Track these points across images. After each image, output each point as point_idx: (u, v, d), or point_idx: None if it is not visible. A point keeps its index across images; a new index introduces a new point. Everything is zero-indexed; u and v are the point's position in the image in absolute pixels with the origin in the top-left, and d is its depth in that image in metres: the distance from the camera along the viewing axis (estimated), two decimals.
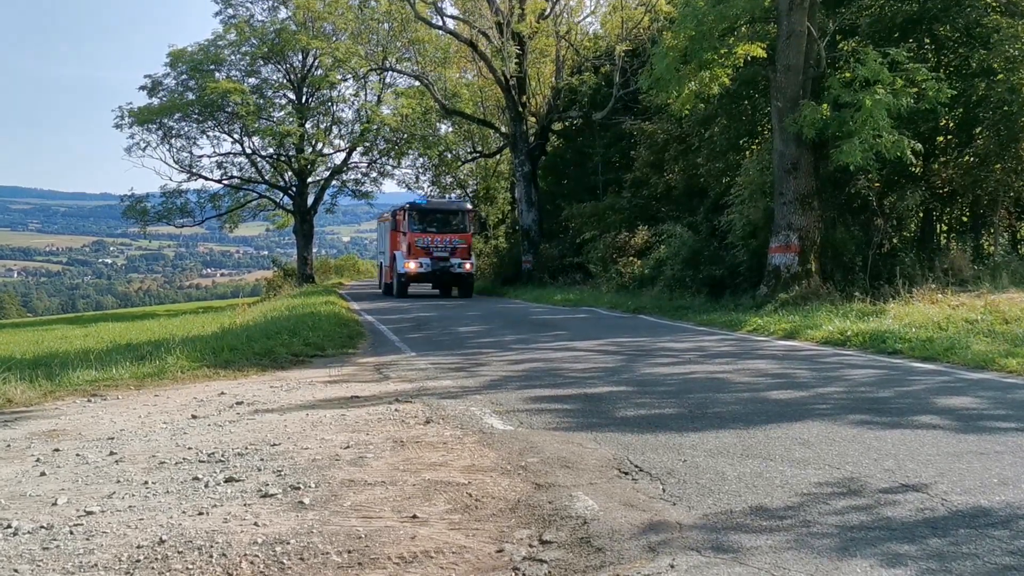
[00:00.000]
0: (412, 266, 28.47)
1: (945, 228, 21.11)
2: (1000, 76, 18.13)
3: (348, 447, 6.58)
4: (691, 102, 19.54)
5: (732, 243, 20.46)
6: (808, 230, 17.76)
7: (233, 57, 40.15)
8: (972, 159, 19.10)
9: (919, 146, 16.39)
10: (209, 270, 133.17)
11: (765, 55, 18.59)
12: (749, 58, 18.63)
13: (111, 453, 6.57)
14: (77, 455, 6.56)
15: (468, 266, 29.14)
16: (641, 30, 31.09)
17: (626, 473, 5.72)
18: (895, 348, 11.52)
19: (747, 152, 23.16)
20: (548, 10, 32.66)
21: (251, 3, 40.94)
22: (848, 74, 16.75)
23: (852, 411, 7.53)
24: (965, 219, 20.62)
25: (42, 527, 4.83)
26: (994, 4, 18.17)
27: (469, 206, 31.98)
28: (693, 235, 22.60)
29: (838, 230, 18.59)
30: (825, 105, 16.69)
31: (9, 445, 6.97)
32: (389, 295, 30.84)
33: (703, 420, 7.29)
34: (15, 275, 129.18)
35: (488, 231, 42.15)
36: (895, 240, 19.89)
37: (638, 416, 7.55)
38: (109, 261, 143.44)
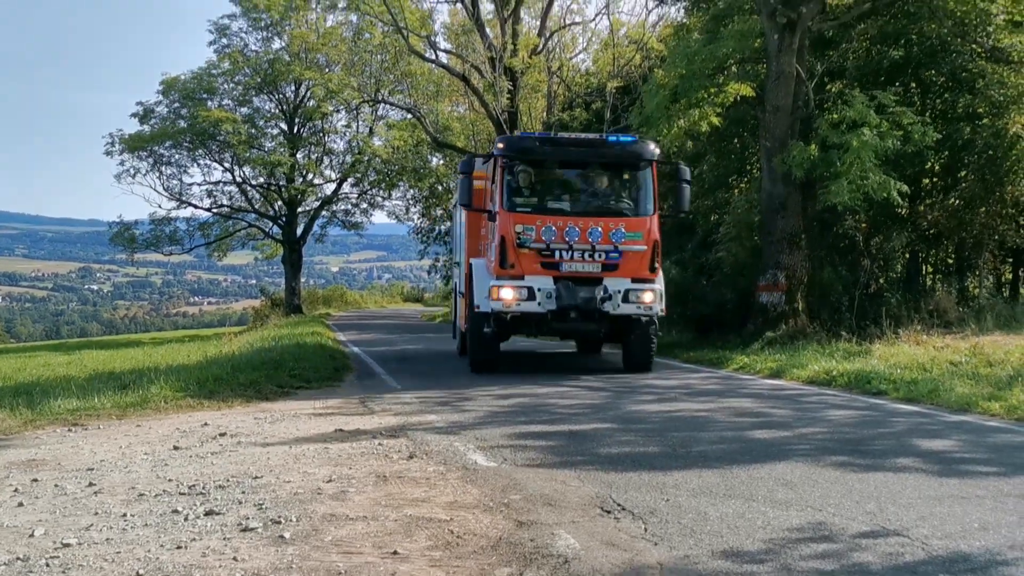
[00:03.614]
0: (509, 295, 13.31)
1: (931, 270, 21.26)
2: (985, 121, 18.36)
3: (330, 481, 6.55)
4: (680, 140, 19.68)
5: (720, 280, 20.52)
6: (795, 269, 17.83)
7: (226, 86, 40.26)
8: (957, 202, 19.27)
9: (905, 188, 16.53)
10: (196, 298, 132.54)
11: (754, 95, 18.78)
12: (739, 98, 18.81)
13: (90, 484, 6.52)
14: (56, 486, 6.50)
15: (647, 296, 13.53)
16: (632, 67, 31.36)
17: (608, 512, 5.70)
18: (880, 389, 11.54)
19: (736, 190, 23.30)
20: (541, 46, 32.92)
21: (245, 33, 40.99)
22: (836, 115, 16.92)
23: (835, 452, 7.54)
24: (951, 261, 20.77)
25: (18, 559, 4.78)
26: (979, 50, 18.42)
27: (653, 147, 14.53)
28: (681, 271, 22.66)
29: (825, 270, 18.69)
30: (813, 145, 16.84)
31: None
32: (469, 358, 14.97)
33: (687, 459, 7.29)
34: None
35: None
36: (881, 281, 20.00)
37: (622, 454, 7.54)
38: (95, 287, 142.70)
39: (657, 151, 14.50)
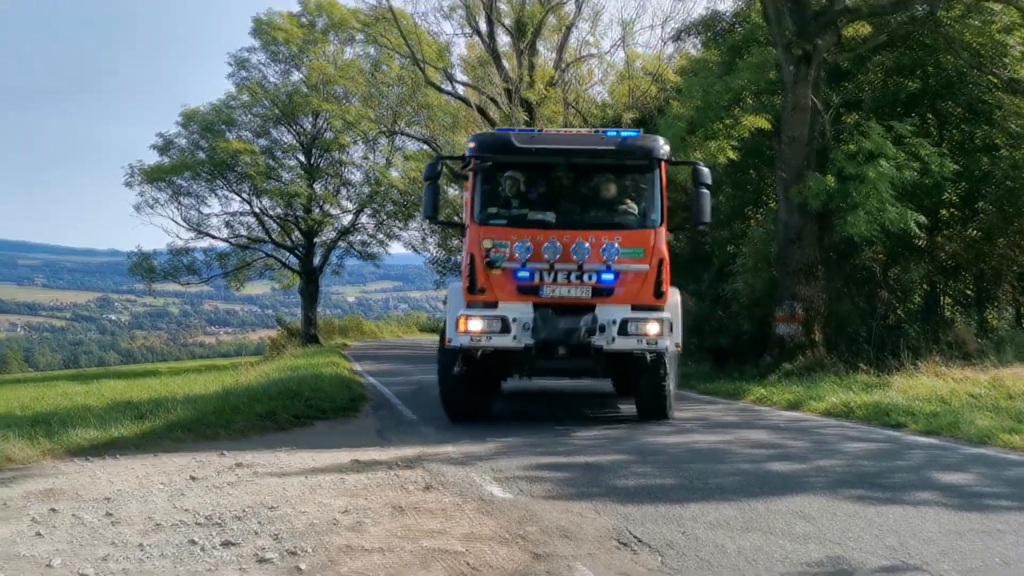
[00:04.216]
0: (478, 326, 11.03)
1: (950, 301, 21.12)
2: (1003, 152, 18.32)
3: (346, 512, 6.54)
4: None
5: (737, 311, 20.46)
6: (812, 300, 17.77)
7: (245, 118, 40.66)
8: (976, 233, 19.18)
9: (923, 219, 16.48)
10: (213, 328, 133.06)
11: (770, 127, 18.81)
12: (755, 129, 18.85)
13: (108, 514, 6.54)
14: (73, 516, 6.52)
15: (651, 327, 11.10)
16: (648, 99, 31.50)
17: (625, 544, 5.68)
18: (898, 421, 11.44)
19: (752, 221, 23.29)
20: (557, 78, 33.14)
21: (264, 66, 41.44)
22: (852, 146, 16.93)
23: (854, 485, 7.48)
24: (970, 293, 20.64)
25: None
26: (996, 82, 18.43)
27: (662, 143, 12.01)
28: (698, 303, 22.62)
29: (843, 301, 18.61)
30: (829, 176, 16.82)
31: (6, 504, 6.94)
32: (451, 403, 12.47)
33: (704, 491, 7.25)
34: (19, 330, 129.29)
35: None
36: (899, 312, 19.88)
37: (639, 486, 7.51)
38: (114, 317, 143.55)
39: (666, 148, 11.88)
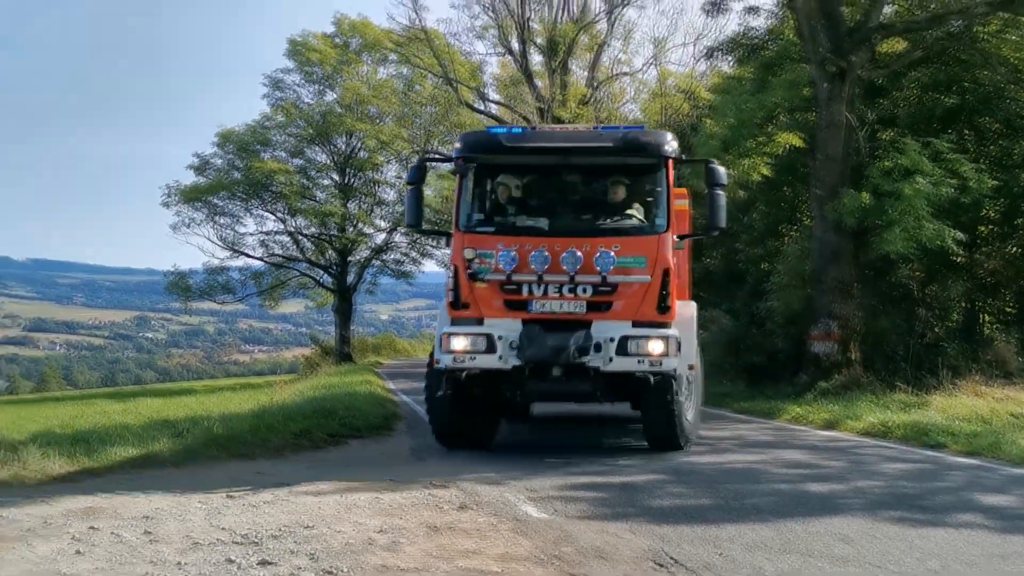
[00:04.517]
0: (461, 344, 10.05)
1: (990, 319, 20.82)
2: None
3: (382, 531, 6.55)
4: (731, 189, 19.65)
5: (771, 330, 20.32)
6: (848, 318, 17.62)
7: (279, 138, 41.08)
8: (1016, 250, 18.93)
9: (961, 236, 16.29)
10: (248, 346, 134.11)
11: (804, 144, 18.73)
12: (788, 146, 18.77)
13: (146, 532, 6.59)
14: (113, 533, 6.58)
15: (655, 346, 9.88)
16: (680, 116, 31.48)
17: (662, 566, 5.64)
18: (938, 441, 11.28)
19: (786, 238, 23.16)
20: (589, 96, 33.23)
21: (299, 86, 41.88)
22: (887, 163, 16.80)
23: (893, 506, 7.38)
24: (1010, 310, 20.33)
25: None
26: None
27: (669, 138, 10.78)
28: (732, 321, 22.48)
29: (879, 319, 18.42)
30: (864, 193, 16.70)
31: (47, 522, 7.01)
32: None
33: (740, 512, 7.19)
34: (58, 348, 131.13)
35: None
36: (938, 330, 19.63)
37: (674, 506, 7.46)
38: (151, 335, 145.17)
39: (674, 144, 10.57)
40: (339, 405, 14.85)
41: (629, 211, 10.50)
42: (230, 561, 5.74)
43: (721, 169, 10.51)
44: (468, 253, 10.13)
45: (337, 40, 40.71)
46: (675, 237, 10.35)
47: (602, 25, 33.09)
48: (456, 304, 10.24)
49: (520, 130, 11.51)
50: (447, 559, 5.80)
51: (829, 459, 10.31)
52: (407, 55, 35.40)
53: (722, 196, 10.37)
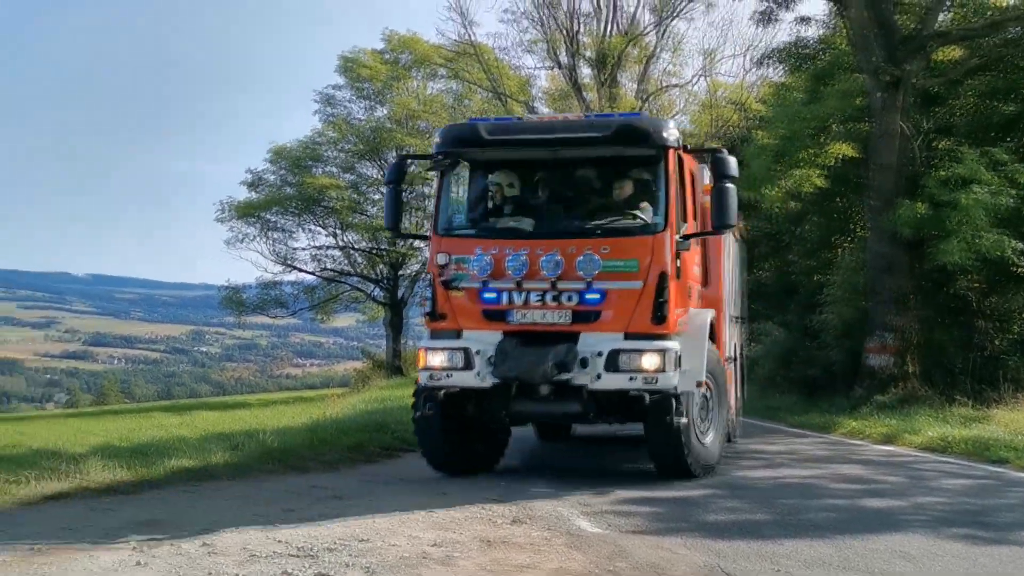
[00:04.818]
0: (438, 360, 9.26)
1: None
2: None
3: (436, 545, 6.57)
4: (784, 200, 19.51)
5: (825, 342, 20.08)
6: (905, 331, 17.36)
7: (331, 153, 41.57)
8: None
9: (1022, 246, 15.97)
10: (300, 360, 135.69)
11: (858, 155, 18.53)
12: (841, 157, 18.58)
13: (204, 544, 6.68)
14: (172, 545, 6.68)
15: (650, 361, 8.76)
16: (731, 128, 31.27)
17: None
18: (1001, 457, 11.03)
19: (839, 249, 22.90)
20: (639, 108, 33.14)
21: (350, 102, 42.38)
22: (944, 173, 16.54)
23: (956, 524, 7.22)
24: None
25: None
26: None
27: (670, 126, 9.65)
28: (786, 333, 22.25)
29: (937, 331, 18.11)
30: (920, 203, 16.45)
31: (108, 533, 7.14)
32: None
33: (797, 527, 7.09)
34: (116, 362, 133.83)
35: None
36: (998, 343, 19.23)
37: (729, 521, 7.38)
38: (205, 349, 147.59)
39: (675, 133, 9.39)
40: (392, 419, 14.94)
41: (632, 210, 9.30)
42: (287, 573, 5.79)
43: (731, 159, 9.17)
44: (441, 259, 9.28)
45: (387, 56, 41.14)
46: (678, 237, 9.10)
47: (651, 37, 33.02)
48: (433, 315, 9.41)
49: (508, 120, 10.54)
50: (502, 573, 5.80)
51: (888, 474, 10.13)
52: (457, 70, 35.65)
53: (731, 189, 9.04)
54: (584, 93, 32.67)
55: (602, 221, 9.22)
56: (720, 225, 9.14)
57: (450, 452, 9.88)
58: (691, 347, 9.06)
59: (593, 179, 9.71)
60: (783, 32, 43.98)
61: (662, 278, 8.76)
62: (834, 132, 19.19)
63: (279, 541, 6.76)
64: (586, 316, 8.91)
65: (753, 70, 30.19)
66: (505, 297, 9.05)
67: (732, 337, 12.34)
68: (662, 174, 9.13)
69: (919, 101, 19.16)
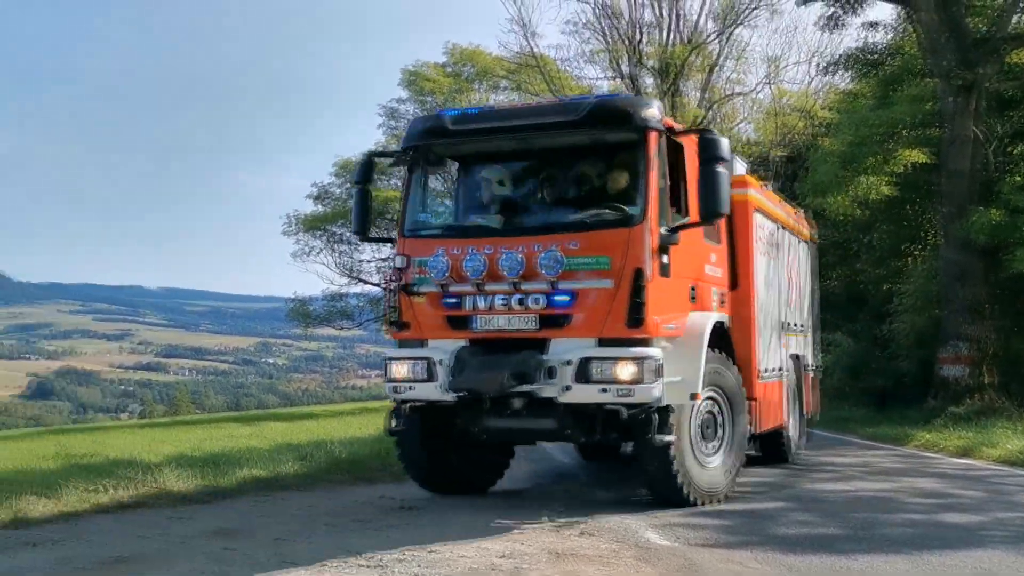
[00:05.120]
0: (402, 371, 8.59)
1: None
2: None
3: (504, 556, 6.57)
4: (851, 208, 19.20)
5: (896, 352, 19.68)
6: (980, 340, 16.95)
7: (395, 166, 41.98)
8: None
9: None
10: (366, 371, 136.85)
11: (928, 160, 18.17)
12: (911, 163, 18.24)
13: (277, 553, 6.78)
14: (245, 554, 6.79)
15: (625, 370, 7.69)
16: (796, 135, 30.84)
17: None
18: None
19: (910, 258, 22.45)
20: (702, 117, 32.88)
21: (413, 115, 42.78)
22: (1020, 178, 16.14)
23: None
24: None
25: None
26: None
27: (654, 106, 8.32)
28: (855, 343, 21.87)
29: (1015, 341, 17.64)
30: (994, 210, 16.07)
31: (183, 541, 7.29)
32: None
33: (871, 542, 6.94)
34: (187, 373, 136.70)
35: None
36: None
37: (801, 535, 7.26)
38: (272, 361, 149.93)
39: (657, 114, 8.24)
40: None
41: (592, 199, 8.46)
42: None
43: (721, 140, 8.04)
44: (399, 261, 8.61)
45: (449, 69, 41.41)
46: (664, 230, 8.03)
47: (714, 46, 32.73)
48: (398, 324, 8.71)
49: (475, 110, 9.55)
50: None
51: (965, 488, 9.87)
52: (519, 81, 35.74)
53: (721, 174, 7.92)
54: None
55: (575, 214, 8.37)
56: (708, 213, 8.05)
57: (432, 469, 9.32)
58: (683, 355, 8.07)
59: (569, 168, 8.81)
60: (850, 37, 43.25)
61: (638, 275, 7.71)
62: (904, 138, 18.83)
63: (349, 551, 6.83)
64: (555, 320, 7.99)
65: (819, 77, 29.74)
66: (468, 302, 8.27)
67: (783, 346, 11.49)
68: (641, 159, 8.07)
69: (993, 105, 18.73)
